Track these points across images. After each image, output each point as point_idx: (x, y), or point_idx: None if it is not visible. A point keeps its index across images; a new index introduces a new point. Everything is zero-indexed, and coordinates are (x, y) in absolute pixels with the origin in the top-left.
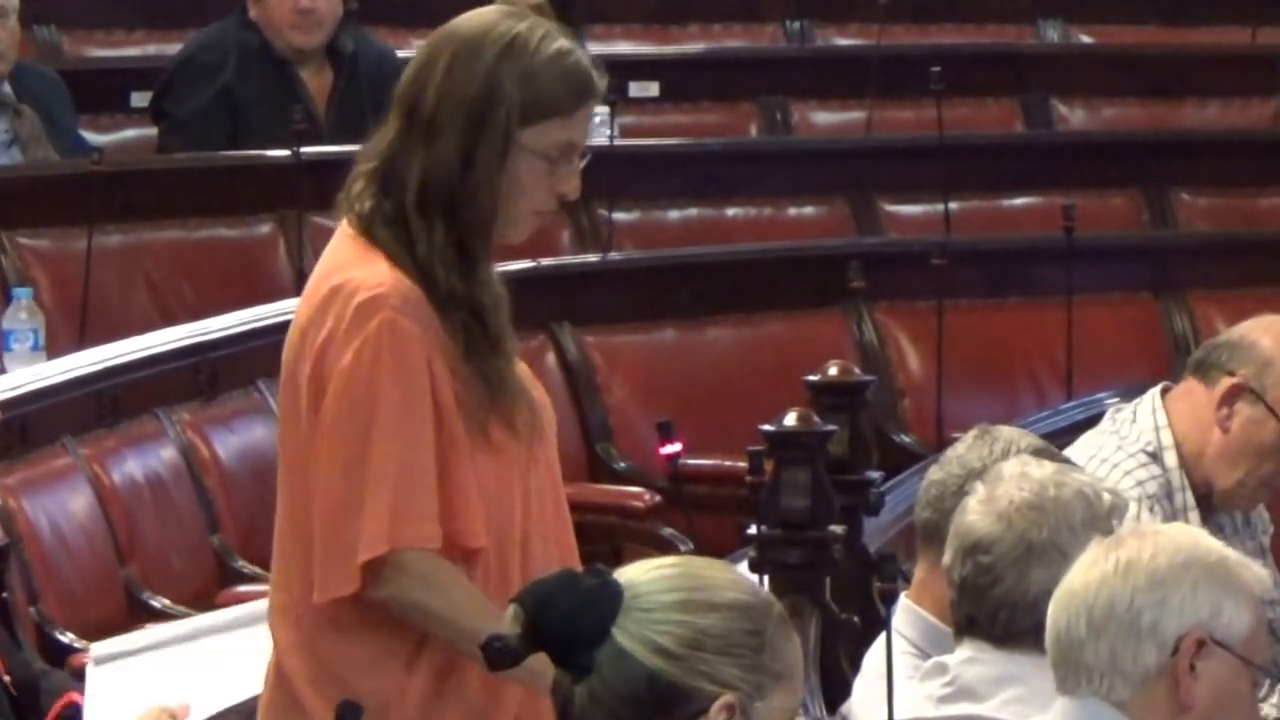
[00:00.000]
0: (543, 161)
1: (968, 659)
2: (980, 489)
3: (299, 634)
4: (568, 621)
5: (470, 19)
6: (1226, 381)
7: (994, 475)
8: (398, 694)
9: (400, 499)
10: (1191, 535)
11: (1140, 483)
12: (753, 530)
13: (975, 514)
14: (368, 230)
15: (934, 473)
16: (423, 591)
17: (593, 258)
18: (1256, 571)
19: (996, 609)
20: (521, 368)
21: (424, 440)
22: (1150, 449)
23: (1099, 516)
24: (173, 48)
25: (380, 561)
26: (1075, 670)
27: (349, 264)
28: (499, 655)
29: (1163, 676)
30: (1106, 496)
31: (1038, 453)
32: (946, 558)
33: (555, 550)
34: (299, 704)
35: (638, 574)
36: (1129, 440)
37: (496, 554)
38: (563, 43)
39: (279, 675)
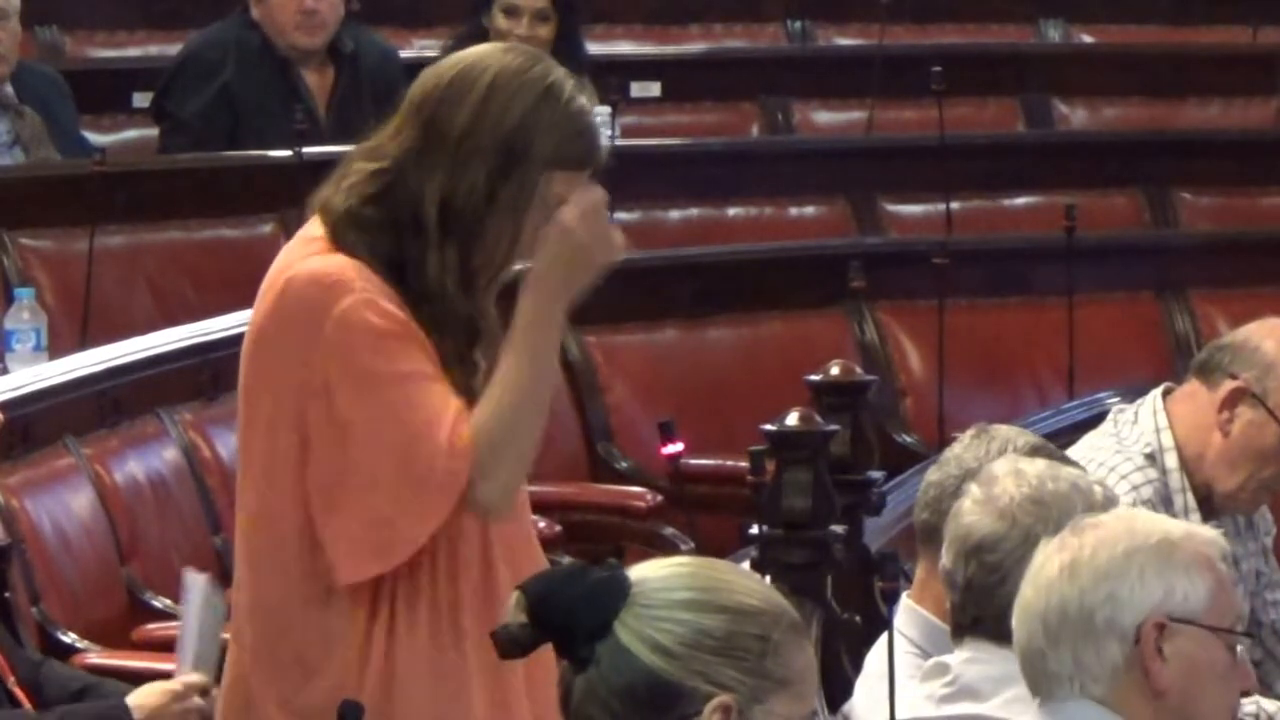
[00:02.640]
0: (542, 210)
1: (969, 659)
2: (974, 490)
3: (260, 631)
4: (569, 612)
5: (504, 55)
6: (1228, 384)
7: (986, 476)
8: (356, 676)
9: (445, 397)
10: (1129, 521)
11: (1135, 487)
12: (754, 530)
13: (973, 515)
14: (336, 230)
15: (932, 474)
16: (492, 461)
17: None
18: (1204, 535)
19: (1005, 607)
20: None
21: (434, 375)
22: (1149, 451)
23: (1095, 507)
24: (174, 48)
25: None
26: (1045, 679)
27: (303, 258)
28: (507, 644)
29: (1132, 668)
30: (1098, 489)
31: (1035, 451)
32: (946, 561)
33: (518, 560)
34: (253, 706)
35: (650, 571)
36: (1128, 442)
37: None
38: (586, 102)
39: (236, 679)
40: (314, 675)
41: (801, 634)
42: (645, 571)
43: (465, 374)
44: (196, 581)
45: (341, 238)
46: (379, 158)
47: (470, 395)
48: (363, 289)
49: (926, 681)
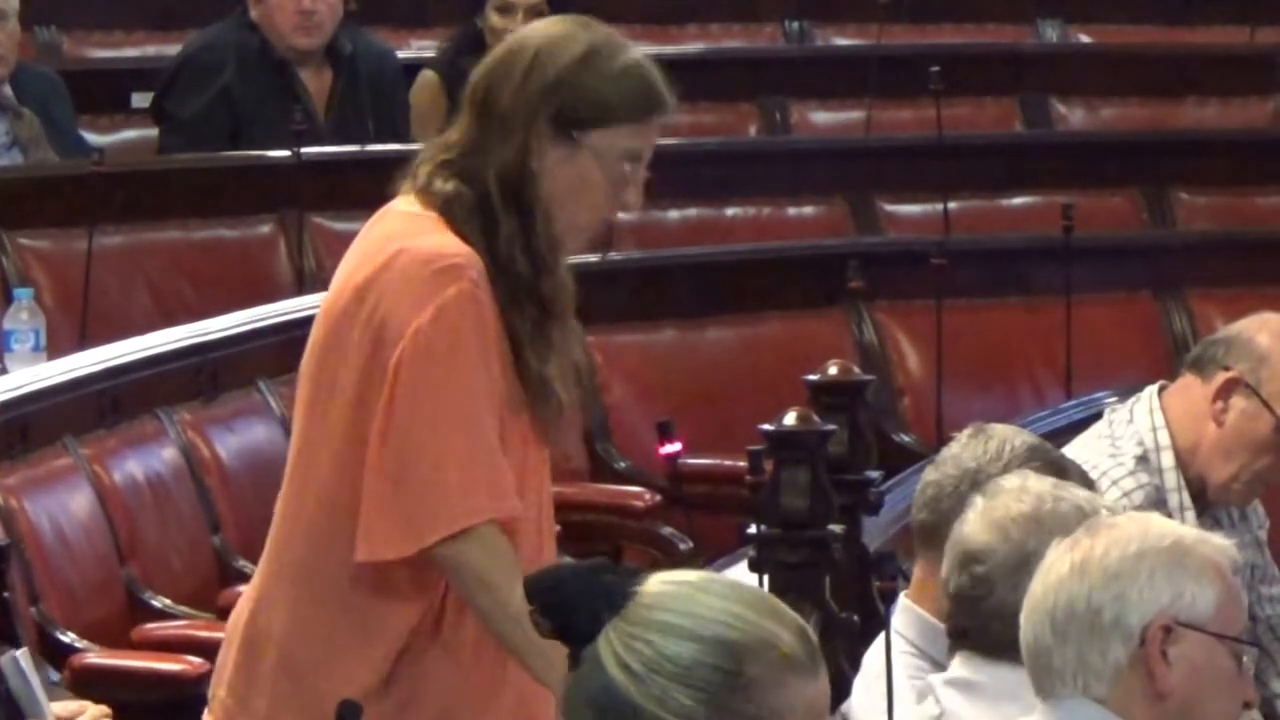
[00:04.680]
0: (609, 167)
1: (954, 680)
2: (978, 501)
3: (302, 598)
4: (562, 610)
5: (548, 27)
6: (1222, 376)
7: (994, 488)
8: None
9: (492, 466)
10: (1143, 524)
11: (1127, 493)
12: (752, 530)
13: (972, 525)
14: (445, 209)
15: (930, 473)
16: (490, 562)
17: (593, 257)
18: (1217, 544)
19: (989, 620)
20: (574, 361)
21: (495, 415)
22: (1142, 452)
23: None
24: (173, 48)
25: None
26: (1049, 676)
27: (417, 232)
28: (536, 627)
29: (1136, 669)
30: (1105, 514)
31: (1033, 450)
32: (944, 568)
33: (545, 549)
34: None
35: (653, 584)
36: (1122, 442)
37: (534, 532)
38: (635, 54)
39: (267, 654)
40: (362, 656)
41: (792, 672)
42: (650, 584)
43: (538, 357)
44: (13, 661)
45: (452, 218)
46: (444, 149)
47: (540, 383)
48: (470, 278)
49: (918, 704)
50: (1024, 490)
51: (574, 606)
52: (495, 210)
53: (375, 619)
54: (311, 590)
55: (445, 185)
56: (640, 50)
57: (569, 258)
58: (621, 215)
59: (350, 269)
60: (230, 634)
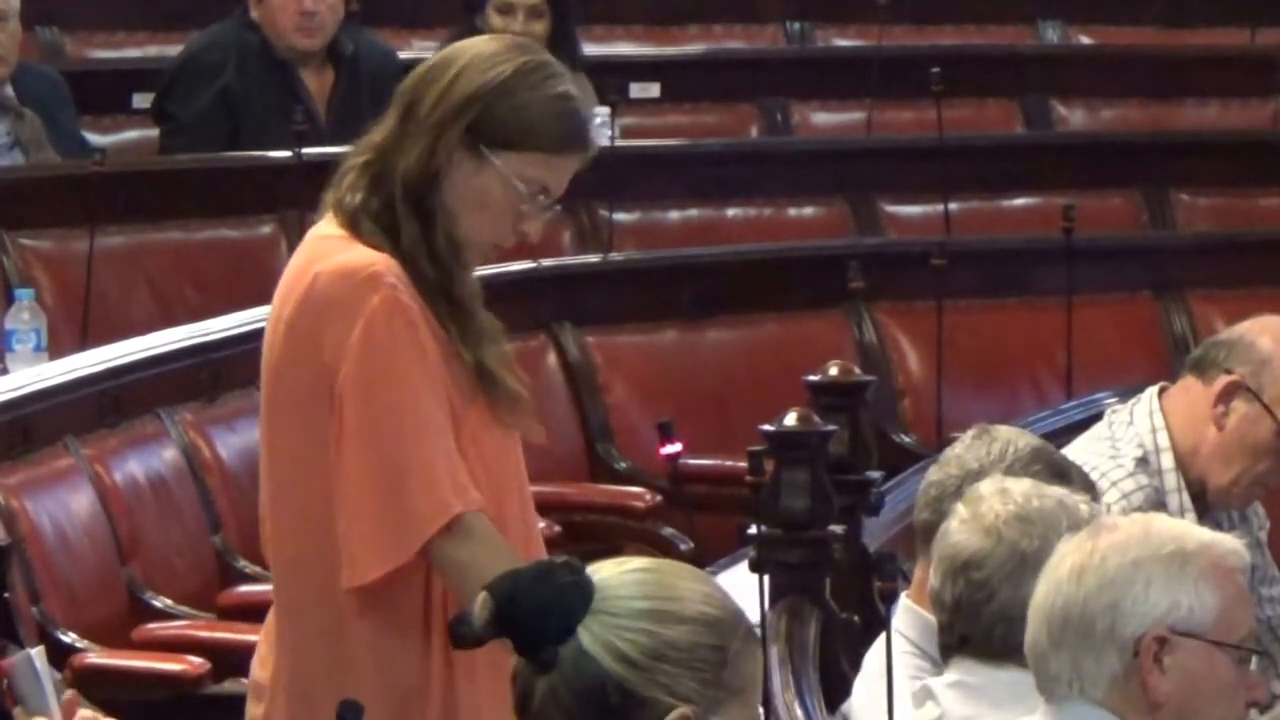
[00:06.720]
0: (514, 192)
1: (955, 682)
2: (961, 509)
3: (312, 628)
4: (535, 615)
5: (486, 43)
6: (1224, 379)
7: (973, 495)
8: (422, 667)
9: (451, 464)
10: (1144, 529)
11: (1126, 495)
12: (753, 530)
13: (960, 533)
14: (353, 224)
15: (932, 473)
16: (483, 551)
17: (593, 258)
18: (1225, 545)
19: (992, 624)
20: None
21: (445, 409)
22: (1141, 455)
23: (1081, 523)
24: (174, 49)
25: (444, 526)
26: (1047, 680)
27: (328, 253)
28: (461, 636)
29: (1130, 678)
30: (1084, 507)
31: (1036, 452)
32: (934, 581)
33: (531, 530)
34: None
35: (609, 574)
36: (1122, 443)
37: (519, 511)
38: (570, 88)
39: (291, 679)
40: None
41: (753, 641)
42: (605, 575)
43: (469, 347)
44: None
45: (359, 231)
46: (367, 150)
47: (481, 371)
48: (389, 284)
49: (917, 709)
50: (1005, 493)
51: (544, 611)
52: (398, 214)
53: (388, 660)
54: (339, 652)
55: (355, 198)
56: (571, 85)
57: (478, 264)
58: (622, 216)
59: (278, 309)
60: (272, 689)
